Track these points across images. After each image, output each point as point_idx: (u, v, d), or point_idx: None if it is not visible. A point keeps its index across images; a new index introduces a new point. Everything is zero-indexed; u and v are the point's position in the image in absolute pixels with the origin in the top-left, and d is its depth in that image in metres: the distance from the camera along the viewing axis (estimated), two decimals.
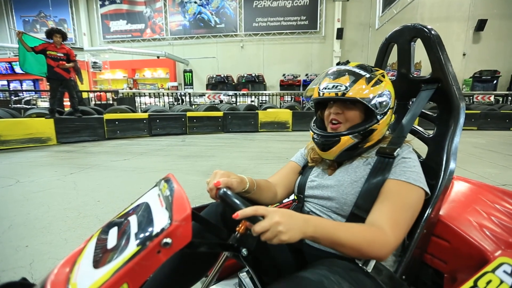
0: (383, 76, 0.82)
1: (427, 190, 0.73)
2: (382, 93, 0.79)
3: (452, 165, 0.81)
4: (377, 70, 0.83)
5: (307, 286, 0.57)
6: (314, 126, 0.90)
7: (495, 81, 10.34)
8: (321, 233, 0.59)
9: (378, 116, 0.80)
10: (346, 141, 0.80)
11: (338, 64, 0.91)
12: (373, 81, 0.79)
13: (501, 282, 0.58)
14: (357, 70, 0.82)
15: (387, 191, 0.72)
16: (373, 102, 0.78)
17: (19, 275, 1.33)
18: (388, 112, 0.82)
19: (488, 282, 0.59)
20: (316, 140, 0.86)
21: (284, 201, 1.14)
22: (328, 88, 0.80)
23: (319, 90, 0.83)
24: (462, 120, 0.83)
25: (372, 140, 0.83)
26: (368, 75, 0.80)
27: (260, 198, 0.84)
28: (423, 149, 0.93)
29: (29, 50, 5.04)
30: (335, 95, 0.79)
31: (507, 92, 9.89)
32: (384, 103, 0.80)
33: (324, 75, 0.86)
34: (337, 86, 0.79)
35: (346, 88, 0.78)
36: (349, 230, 0.62)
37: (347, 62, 0.87)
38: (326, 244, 0.61)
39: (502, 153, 4.28)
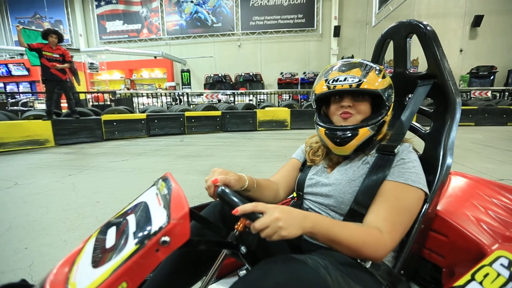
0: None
1: (427, 190, 0.73)
2: (390, 85, 0.81)
3: (449, 160, 0.81)
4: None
5: (301, 269, 0.53)
6: (321, 122, 0.85)
7: (492, 77, 10.36)
8: (319, 229, 0.59)
9: (386, 109, 0.80)
10: (364, 133, 0.78)
11: (342, 58, 0.92)
12: (382, 74, 0.80)
13: (498, 275, 0.58)
14: (368, 62, 0.82)
15: (385, 193, 0.71)
16: (385, 94, 0.79)
17: (18, 277, 1.32)
18: (391, 106, 0.83)
19: (486, 275, 0.59)
20: (330, 135, 0.81)
21: None
22: (340, 81, 0.78)
23: (328, 83, 0.80)
24: (458, 115, 0.84)
25: (382, 133, 0.83)
26: (377, 67, 0.81)
27: (261, 197, 0.83)
28: (420, 145, 0.93)
29: (24, 46, 5.01)
30: (349, 87, 0.77)
31: (504, 88, 9.93)
32: (391, 96, 0.81)
33: (330, 69, 0.83)
34: (350, 78, 0.77)
35: (360, 80, 0.76)
36: (346, 229, 0.62)
37: (352, 57, 0.87)
38: (323, 241, 0.61)
39: (500, 148, 4.29)
